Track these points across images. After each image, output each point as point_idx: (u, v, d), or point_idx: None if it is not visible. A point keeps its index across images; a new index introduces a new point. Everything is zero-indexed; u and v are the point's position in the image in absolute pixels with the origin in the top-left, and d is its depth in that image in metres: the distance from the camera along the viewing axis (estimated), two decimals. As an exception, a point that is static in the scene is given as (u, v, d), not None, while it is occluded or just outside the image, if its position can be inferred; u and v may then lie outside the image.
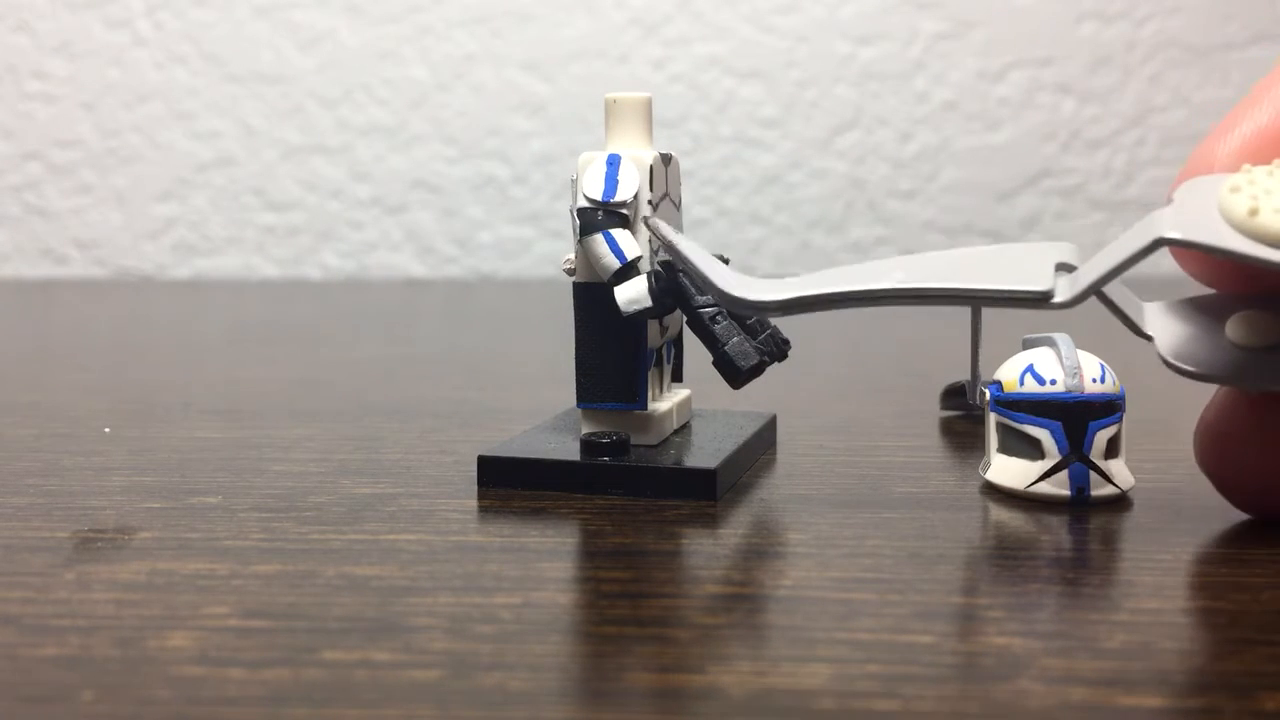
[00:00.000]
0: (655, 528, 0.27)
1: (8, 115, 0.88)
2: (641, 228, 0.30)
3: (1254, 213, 0.22)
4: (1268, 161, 0.23)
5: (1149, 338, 0.24)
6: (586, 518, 0.27)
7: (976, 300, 0.24)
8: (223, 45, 0.87)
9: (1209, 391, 0.26)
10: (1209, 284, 0.25)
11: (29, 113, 0.88)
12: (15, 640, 0.20)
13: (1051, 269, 0.24)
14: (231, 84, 0.87)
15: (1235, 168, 0.24)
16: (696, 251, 0.27)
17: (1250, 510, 0.27)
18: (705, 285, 0.26)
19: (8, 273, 0.89)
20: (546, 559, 0.25)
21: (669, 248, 0.28)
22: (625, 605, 0.22)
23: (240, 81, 0.87)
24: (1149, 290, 0.26)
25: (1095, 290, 0.23)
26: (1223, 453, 0.26)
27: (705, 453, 0.30)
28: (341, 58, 0.87)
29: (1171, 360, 0.24)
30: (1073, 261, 0.24)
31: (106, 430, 0.37)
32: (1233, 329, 0.24)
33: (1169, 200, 0.23)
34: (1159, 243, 0.22)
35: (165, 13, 0.87)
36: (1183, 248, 0.22)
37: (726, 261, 0.28)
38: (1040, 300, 0.23)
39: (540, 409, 0.38)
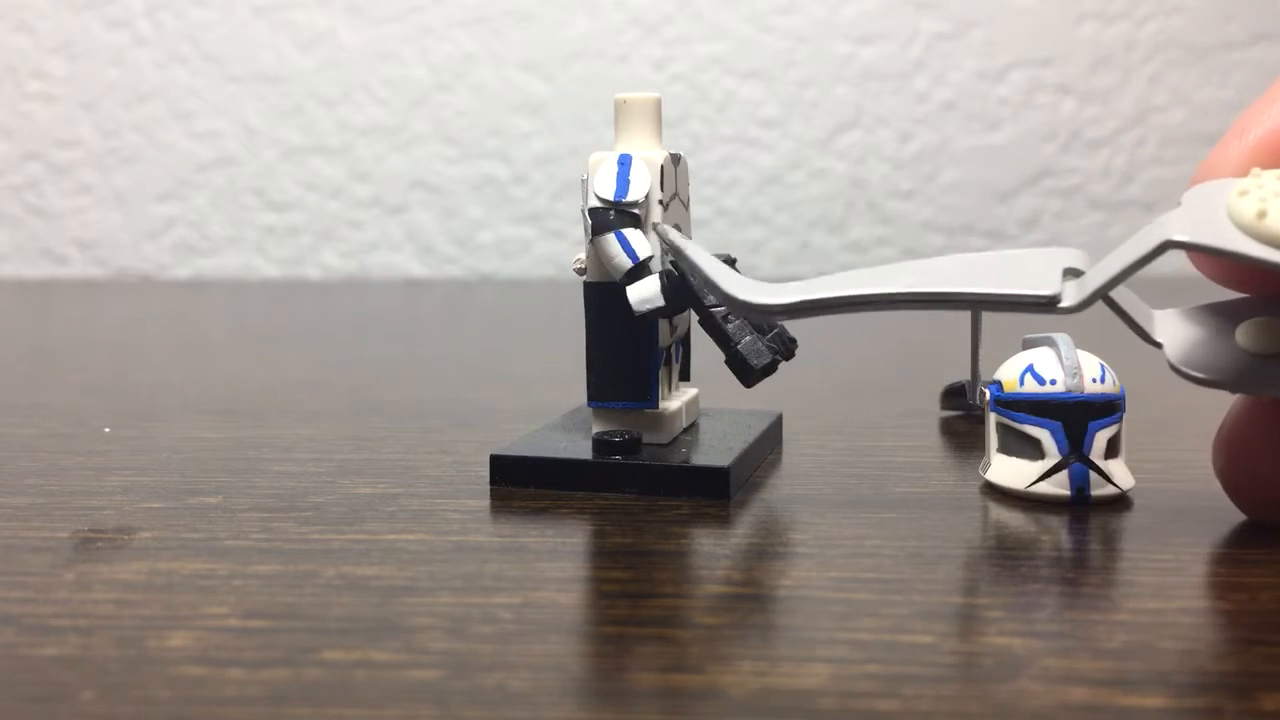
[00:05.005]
0: (655, 528, 0.27)
1: (8, 115, 0.88)
2: (652, 227, 0.30)
3: (1262, 215, 0.22)
4: (1278, 164, 0.23)
5: (1158, 345, 0.24)
6: (587, 518, 0.27)
7: (984, 305, 0.24)
8: (223, 45, 0.87)
9: (1210, 392, 0.26)
10: (1225, 285, 0.25)
11: (29, 113, 0.88)
12: (15, 640, 0.20)
13: (1059, 273, 0.24)
14: (231, 84, 0.87)
15: (1244, 170, 0.24)
16: (703, 256, 0.27)
17: (1263, 517, 0.27)
18: (712, 290, 0.26)
19: (8, 273, 0.89)
20: (546, 559, 0.25)
21: (676, 253, 0.28)
22: (625, 605, 0.22)
23: (240, 81, 0.87)
24: (1164, 290, 0.26)
25: (1103, 294, 0.23)
26: (1237, 460, 0.26)
27: (717, 451, 0.30)
28: (341, 58, 0.87)
29: (1181, 367, 0.24)
30: (1080, 266, 0.24)
31: (106, 430, 0.37)
32: (1244, 335, 0.24)
33: (1178, 204, 0.23)
34: (1167, 245, 0.22)
35: (165, 13, 0.87)
36: (1190, 251, 0.22)
37: (733, 261, 0.28)
38: (1048, 305, 0.23)
39: (540, 409, 0.38)
